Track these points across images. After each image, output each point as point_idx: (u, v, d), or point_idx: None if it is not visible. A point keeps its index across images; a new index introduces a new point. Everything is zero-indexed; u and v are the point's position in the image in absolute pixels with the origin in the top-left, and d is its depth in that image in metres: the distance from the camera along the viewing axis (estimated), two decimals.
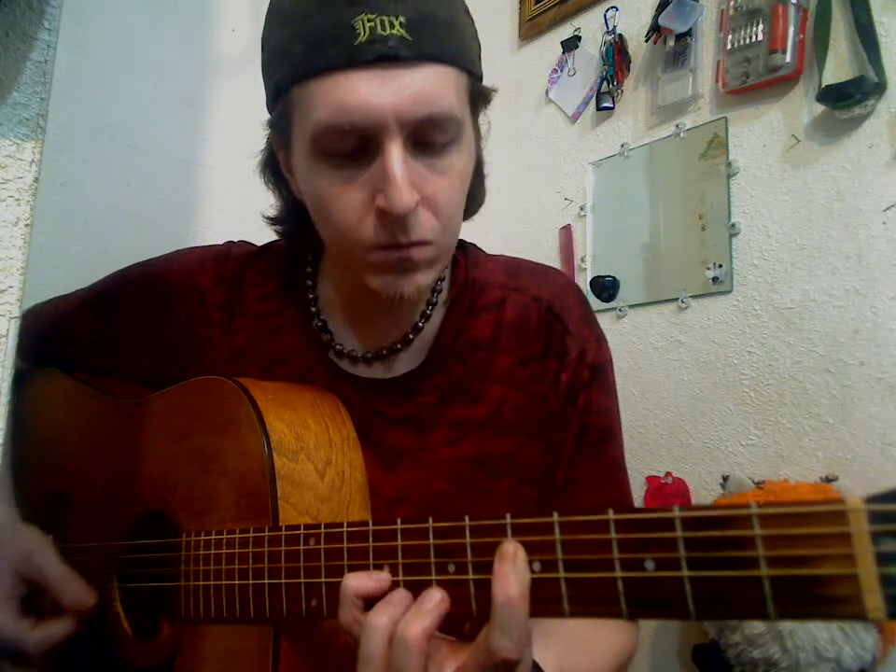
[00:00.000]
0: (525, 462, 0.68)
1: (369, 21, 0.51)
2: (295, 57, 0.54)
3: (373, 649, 0.43)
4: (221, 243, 0.78)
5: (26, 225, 0.45)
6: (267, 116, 0.62)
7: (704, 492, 1.26)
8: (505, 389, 0.68)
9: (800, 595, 0.34)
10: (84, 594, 0.65)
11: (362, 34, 0.51)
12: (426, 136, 0.55)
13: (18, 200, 0.45)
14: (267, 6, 0.59)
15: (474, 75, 0.59)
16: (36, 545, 0.67)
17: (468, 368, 0.68)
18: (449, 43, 0.55)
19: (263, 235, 0.77)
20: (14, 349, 0.45)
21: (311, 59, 0.53)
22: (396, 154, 0.53)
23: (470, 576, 0.43)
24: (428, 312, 0.69)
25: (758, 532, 0.35)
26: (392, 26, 0.51)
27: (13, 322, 0.44)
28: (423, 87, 0.53)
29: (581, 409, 0.69)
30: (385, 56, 0.51)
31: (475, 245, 0.75)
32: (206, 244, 0.80)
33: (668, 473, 1.32)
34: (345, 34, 0.51)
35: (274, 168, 0.67)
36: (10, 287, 0.45)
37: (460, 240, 0.73)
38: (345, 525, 0.49)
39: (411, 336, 0.68)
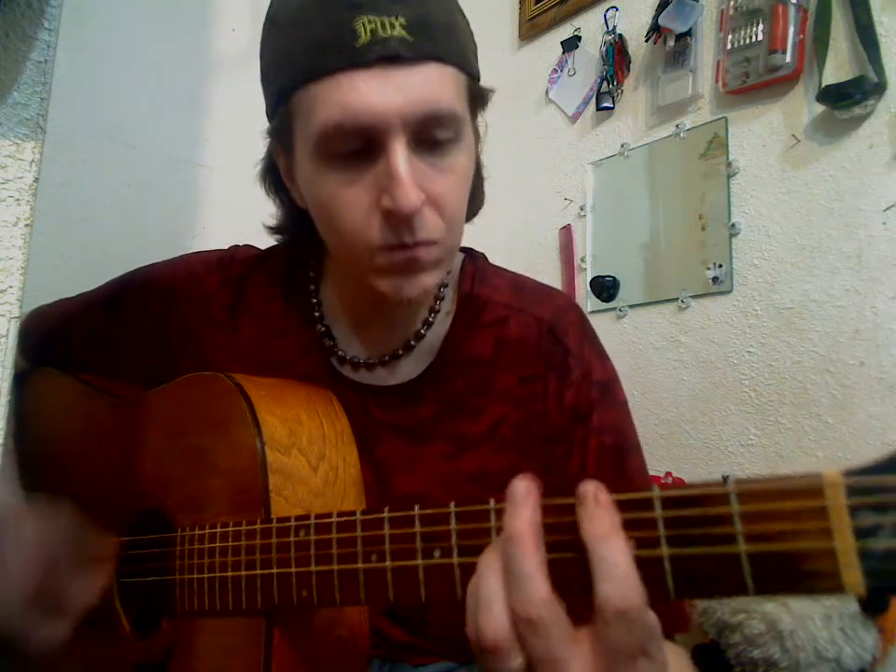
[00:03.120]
0: None
1: (369, 22, 0.51)
2: (297, 62, 0.54)
3: (486, 565, 0.39)
4: (226, 247, 0.78)
5: (26, 225, 0.45)
6: (266, 122, 0.62)
7: None
8: (505, 407, 0.68)
9: (778, 571, 0.33)
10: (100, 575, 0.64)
11: (363, 35, 0.51)
12: (428, 134, 0.55)
13: (18, 200, 0.45)
14: (267, 6, 0.59)
15: (472, 75, 0.59)
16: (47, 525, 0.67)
17: (468, 382, 0.68)
18: (448, 43, 0.55)
19: (264, 236, 0.77)
20: (14, 349, 0.45)
21: (313, 63, 0.53)
22: (400, 154, 0.53)
23: (455, 559, 0.43)
24: (431, 319, 0.69)
25: (735, 509, 0.34)
26: (392, 27, 0.51)
27: (13, 322, 0.44)
28: (424, 85, 0.53)
29: (595, 429, 0.67)
30: (386, 57, 0.51)
31: (484, 257, 0.75)
32: (206, 244, 0.80)
33: (668, 473, 1.32)
34: (346, 36, 0.51)
35: (275, 177, 0.67)
36: (10, 286, 0.44)
37: (470, 249, 0.73)
38: (335, 515, 0.50)
39: (413, 342, 0.68)
